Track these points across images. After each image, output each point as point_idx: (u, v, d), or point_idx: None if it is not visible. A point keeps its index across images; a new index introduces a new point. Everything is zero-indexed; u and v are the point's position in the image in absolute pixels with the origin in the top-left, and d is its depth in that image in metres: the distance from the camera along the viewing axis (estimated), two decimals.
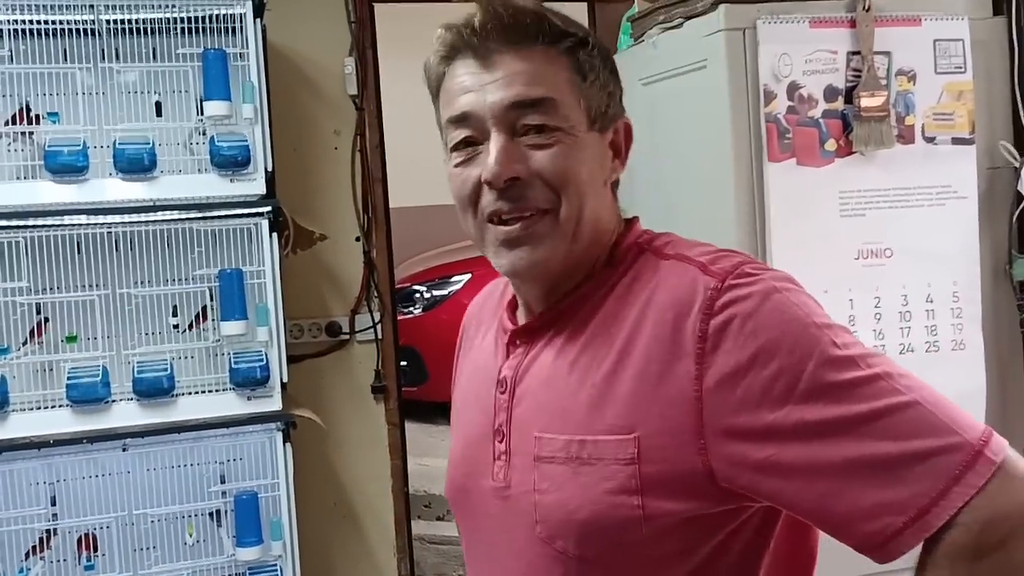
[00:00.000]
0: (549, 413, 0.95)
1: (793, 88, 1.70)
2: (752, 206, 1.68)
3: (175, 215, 2.34)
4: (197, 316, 2.50)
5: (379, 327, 2.94)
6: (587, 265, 0.98)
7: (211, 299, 2.49)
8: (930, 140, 1.82)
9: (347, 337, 2.93)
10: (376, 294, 2.95)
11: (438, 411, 4.96)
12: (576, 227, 0.95)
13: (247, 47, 2.41)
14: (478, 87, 0.94)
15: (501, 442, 1.00)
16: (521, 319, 1.05)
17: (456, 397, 1.16)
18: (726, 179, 1.68)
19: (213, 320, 2.48)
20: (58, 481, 2.39)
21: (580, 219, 0.95)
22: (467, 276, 5.56)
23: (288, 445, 2.43)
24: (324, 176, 2.92)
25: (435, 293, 5.54)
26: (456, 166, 0.98)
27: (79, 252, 2.38)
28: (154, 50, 2.45)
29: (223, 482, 2.51)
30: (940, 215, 1.80)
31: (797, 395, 0.83)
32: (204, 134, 2.53)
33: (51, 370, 2.43)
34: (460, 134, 0.97)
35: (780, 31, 1.68)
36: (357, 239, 2.94)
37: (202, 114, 2.53)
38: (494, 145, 0.93)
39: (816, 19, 1.73)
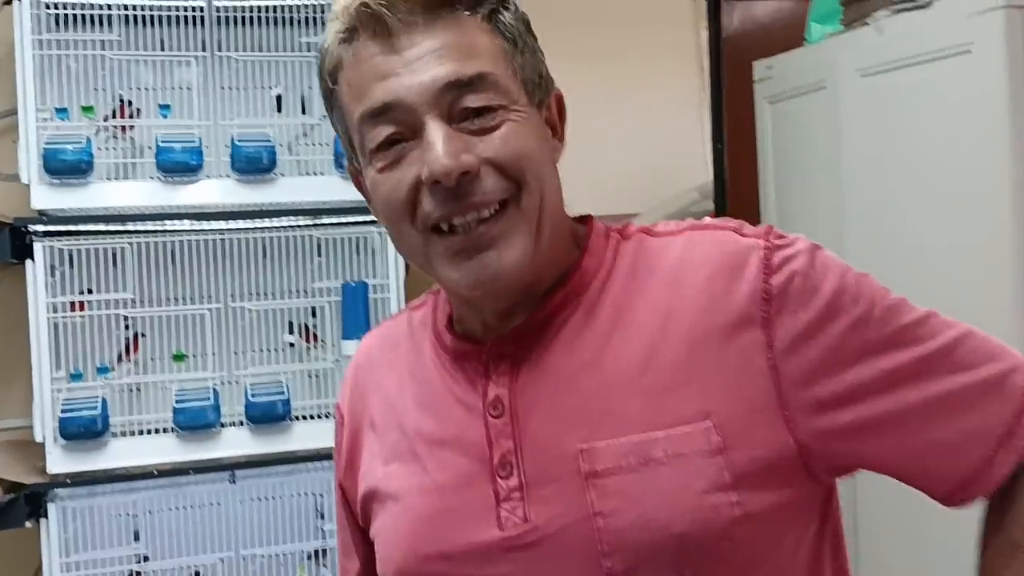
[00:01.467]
0: (587, 420, 0.80)
1: None
2: None
3: (297, 221, 2.10)
4: (306, 332, 2.26)
5: None
6: (557, 262, 0.86)
7: (313, 315, 2.26)
8: None
9: None
10: None
11: None
12: (540, 216, 0.82)
13: None
14: (398, 69, 0.79)
15: (508, 477, 0.82)
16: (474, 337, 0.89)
17: (381, 459, 0.92)
18: (998, 183, 1.45)
19: (322, 339, 2.24)
20: (144, 514, 2.14)
21: (543, 207, 0.82)
22: None
23: None
24: None
25: None
26: (381, 171, 0.82)
27: (185, 260, 2.14)
28: (261, 41, 2.22)
29: (321, 518, 2.27)
30: None
31: (872, 346, 0.79)
32: (306, 135, 2.30)
33: (137, 390, 2.19)
34: (383, 132, 0.81)
35: None
36: None
37: (305, 112, 2.31)
38: (436, 135, 0.78)
39: None
